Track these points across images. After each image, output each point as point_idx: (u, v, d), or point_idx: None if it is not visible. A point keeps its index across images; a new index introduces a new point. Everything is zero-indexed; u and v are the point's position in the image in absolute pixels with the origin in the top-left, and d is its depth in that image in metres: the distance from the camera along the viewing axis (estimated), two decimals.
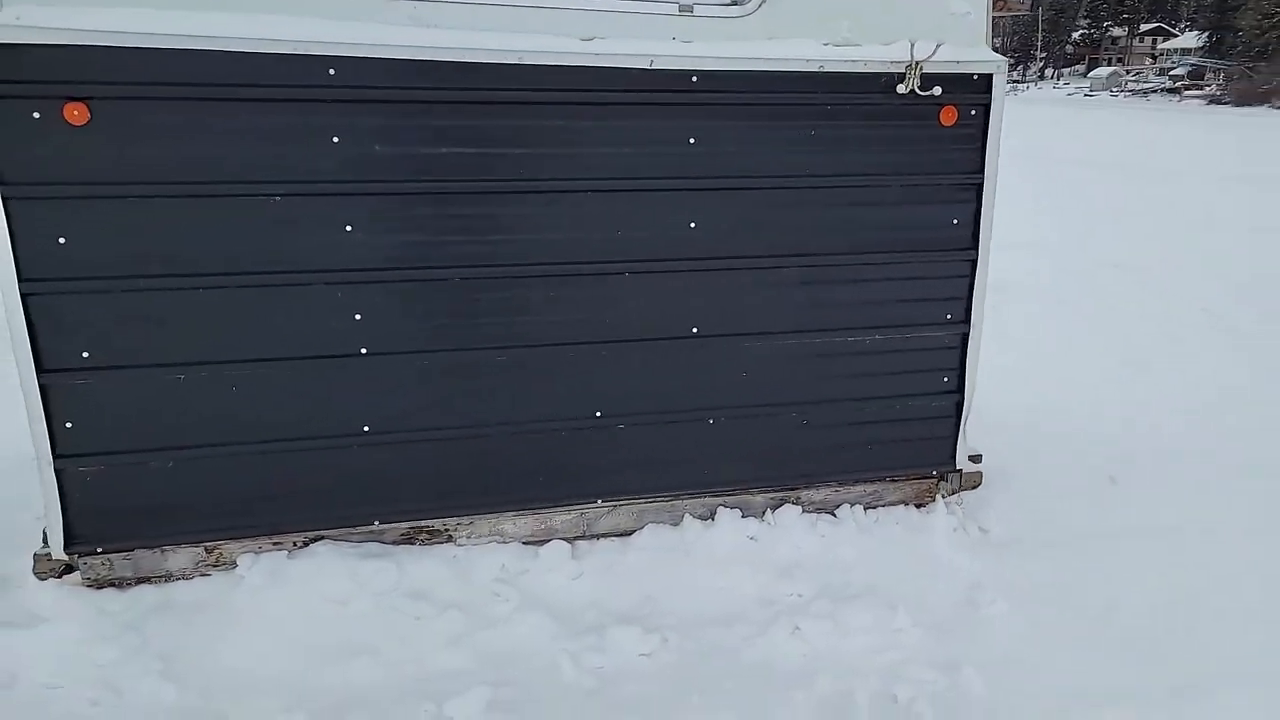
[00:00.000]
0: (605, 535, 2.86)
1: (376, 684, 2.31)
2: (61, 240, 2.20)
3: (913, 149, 2.74)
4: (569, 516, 2.80)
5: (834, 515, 3.03)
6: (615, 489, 2.80)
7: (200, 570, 2.55)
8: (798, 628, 2.55)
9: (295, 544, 2.59)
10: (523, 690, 2.30)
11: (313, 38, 2.22)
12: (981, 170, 2.81)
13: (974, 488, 3.26)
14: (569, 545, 2.78)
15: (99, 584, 2.49)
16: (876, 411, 2.95)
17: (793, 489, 2.98)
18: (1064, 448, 3.76)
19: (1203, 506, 3.31)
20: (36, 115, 2.11)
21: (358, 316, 2.44)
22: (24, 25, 2.05)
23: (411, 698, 2.26)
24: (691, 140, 2.55)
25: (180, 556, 2.52)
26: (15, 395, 4.32)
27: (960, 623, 2.66)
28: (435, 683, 2.31)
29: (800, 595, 2.72)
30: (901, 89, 2.63)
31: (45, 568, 2.64)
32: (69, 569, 2.55)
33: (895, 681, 2.37)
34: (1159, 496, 3.40)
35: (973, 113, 2.76)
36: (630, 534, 2.87)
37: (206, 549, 2.53)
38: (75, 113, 2.12)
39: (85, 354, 2.27)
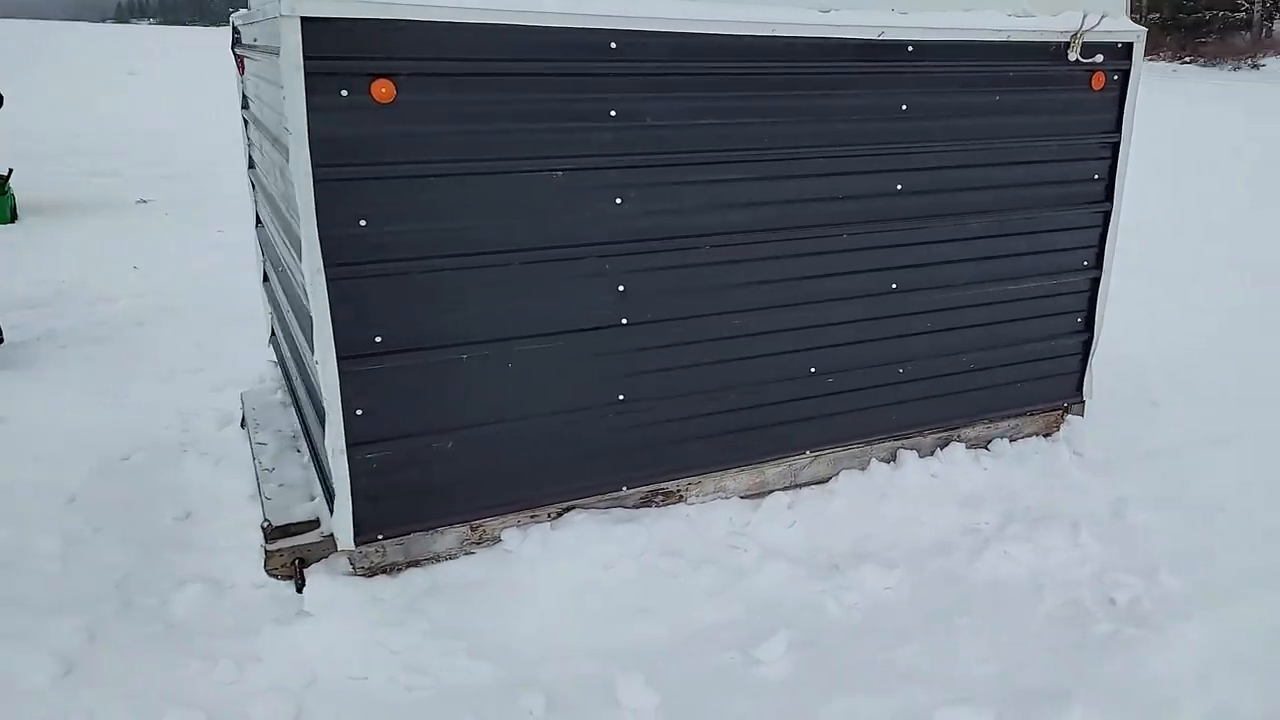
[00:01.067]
0: (806, 484, 3.22)
1: (668, 639, 2.58)
2: (363, 223, 2.28)
3: (1070, 111, 3.22)
4: (779, 469, 3.15)
5: (987, 449, 3.54)
6: (819, 440, 3.16)
7: (465, 549, 2.71)
8: (1006, 551, 3.03)
9: (550, 515, 2.80)
10: (804, 631, 2.65)
11: (600, 11, 2.39)
12: (1119, 129, 3.34)
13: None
14: (782, 495, 3.14)
15: (371, 571, 2.60)
16: (1025, 352, 3.46)
17: (954, 428, 3.45)
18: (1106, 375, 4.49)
19: (1247, 418, 4.09)
20: (344, 93, 2.18)
21: (620, 288, 2.65)
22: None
23: (711, 647, 2.57)
24: (904, 108, 2.91)
25: (448, 537, 2.67)
26: (120, 390, 4.21)
27: (1122, 533, 3.24)
28: (723, 631, 2.63)
29: (988, 523, 3.21)
30: (1071, 56, 3.09)
31: (277, 563, 2.74)
32: (301, 562, 2.68)
33: (1107, 588, 2.91)
34: (1203, 414, 4.15)
35: (1115, 77, 3.27)
36: (826, 481, 3.25)
37: (472, 527, 2.69)
38: (383, 90, 2.20)
39: (378, 339, 2.37)
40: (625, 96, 2.50)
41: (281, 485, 2.99)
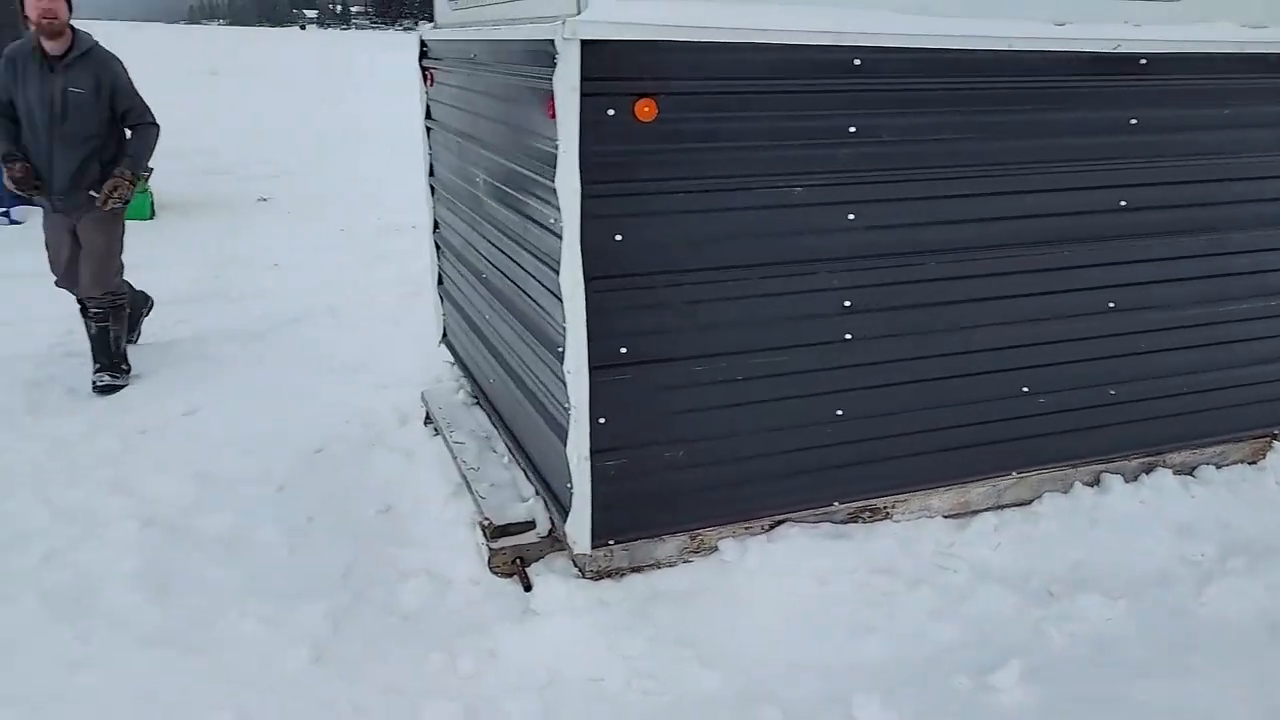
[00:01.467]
0: (1009, 505, 3.24)
1: (896, 659, 2.64)
2: (618, 237, 2.41)
3: None
4: (983, 489, 3.18)
5: (1193, 476, 3.50)
6: (1025, 461, 3.18)
7: (683, 557, 2.82)
8: (1228, 584, 3.00)
9: (763, 527, 2.89)
10: (1033, 660, 2.66)
11: (847, 28, 2.47)
12: None
13: None
14: (988, 516, 3.17)
15: (598, 575, 2.73)
16: (1237, 375, 3.41)
17: (1160, 453, 3.42)
18: None
19: None
20: (611, 112, 2.30)
21: (847, 303, 2.72)
22: (612, 21, 2.23)
23: (942, 670, 2.60)
24: (1133, 122, 2.91)
25: (669, 545, 2.78)
26: (296, 385, 4.42)
27: None
28: (952, 654, 2.67)
29: (1205, 554, 3.17)
30: None
31: (499, 561, 2.89)
32: (521, 561, 2.82)
33: None
34: None
35: None
36: (1029, 503, 3.26)
37: (691, 536, 2.80)
38: (646, 109, 2.32)
39: (623, 349, 2.49)
40: (865, 113, 2.57)
41: (492, 485, 3.15)
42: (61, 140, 4.16)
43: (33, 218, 7.78)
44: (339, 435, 4.02)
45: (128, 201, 4.33)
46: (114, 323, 4.48)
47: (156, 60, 31.05)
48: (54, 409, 4.23)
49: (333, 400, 4.37)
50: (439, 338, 4.32)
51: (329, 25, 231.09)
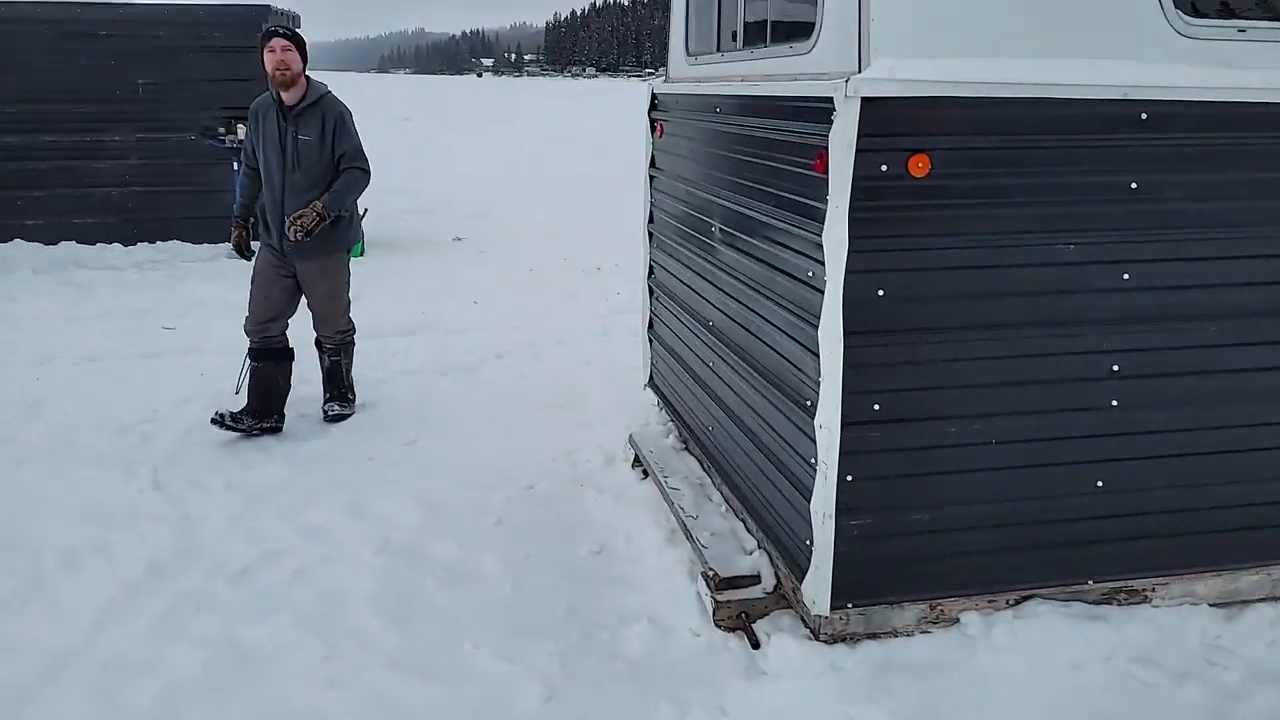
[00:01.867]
0: None
1: None
2: (880, 292, 2.38)
3: None
4: (1256, 578, 2.88)
5: None
6: None
7: (921, 627, 2.71)
8: None
9: (1008, 601, 2.74)
10: None
11: (1135, 82, 2.35)
12: None
13: None
14: (1263, 608, 2.87)
15: (832, 639, 2.67)
16: None
17: None
18: None
19: None
20: (884, 168, 2.29)
21: (1115, 367, 2.56)
22: (895, 79, 2.22)
23: None
24: None
25: (908, 613, 2.68)
26: (506, 420, 4.55)
27: None
28: None
29: None
30: None
31: (724, 614, 2.86)
32: (746, 616, 2.78)
33: None
34: None
35: None
36: None
37: (931, 606, 2.69)
38: (920, 165, 2.29)
39: (876, 406, 2.44)
40: (1148, 169, 2.43)
41: (713, 534, 3.15)
42: (292, 188, 4.32)
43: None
44: (548, 472, 4.15)
45: (309, 232, 4.21)
46: (344, 357, 4.79)
47: (355, 107, 33.94)
48: (289, 433, 4.58)
49: (538, 436, 4.53)
50: (645, 380, 4.40)
51: (503, 73, 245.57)
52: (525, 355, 5.89)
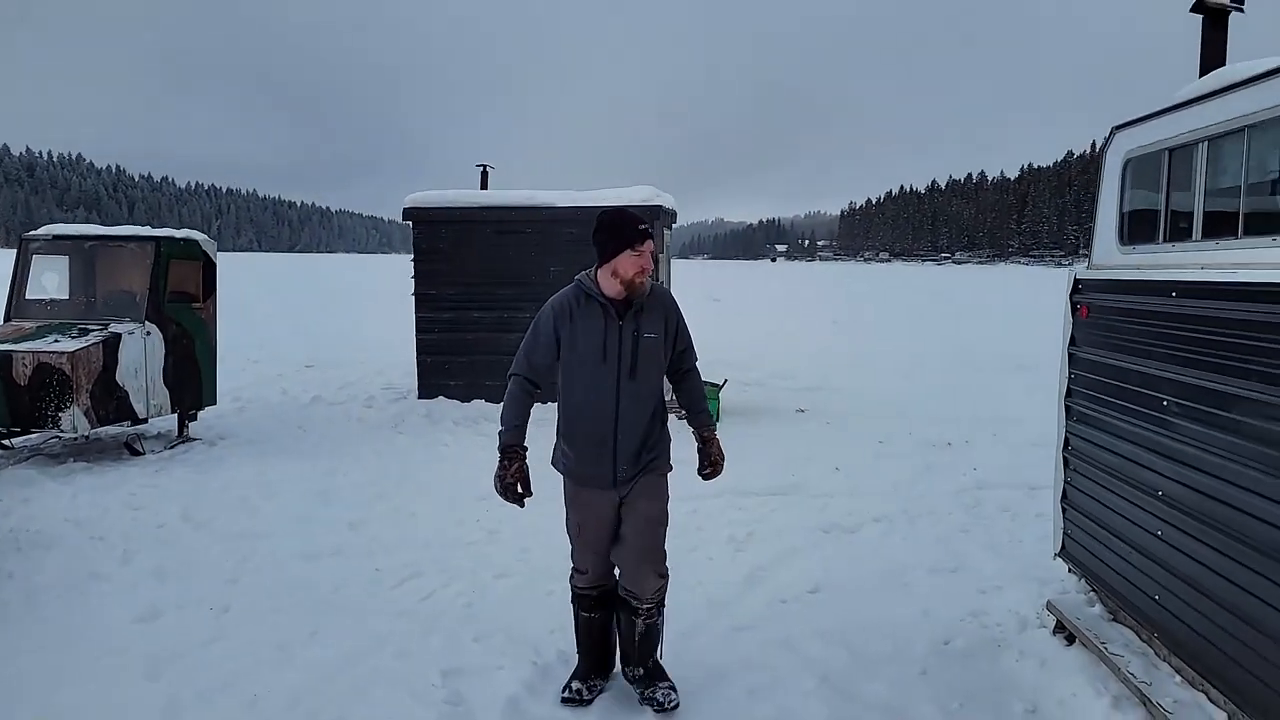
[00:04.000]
0: None
1: None
2: None
3: None
4: None
5: None
6: None
7: None
8: None
9: None
10: None
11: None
12: None
13: None
14: None
15: None
16: None
17: None
18: None
19: None
20: None
21: None
22: None
23: None
24: None
25: None
26: (908, 576, 4.77)
27: None
28: None
29: None
30: None
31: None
32: None
33: None
34: None
35: None
36: None
37: None
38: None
39: None
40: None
41: (1176, 701, 3.17)
42: (631, 398, 3.49)
43: None
44: (959, 631, 4.34)
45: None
46: (660, 615, 3.69)
47: (674, 291, 37.27)
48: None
49: (938, 596, 4.75)
50: (1056, 548, 4.50)
51: (795, 257, 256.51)
52: (901, 520, 6.18)
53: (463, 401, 10.20)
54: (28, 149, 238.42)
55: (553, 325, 3.52)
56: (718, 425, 9.69)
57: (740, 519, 6.20)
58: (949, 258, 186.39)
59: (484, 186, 11.56)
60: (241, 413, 10.18)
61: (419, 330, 10.49)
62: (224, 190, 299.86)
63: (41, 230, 8.95)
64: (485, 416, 9.80)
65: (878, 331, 21.66)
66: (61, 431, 7.65)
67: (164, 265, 8.44)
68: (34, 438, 8.28)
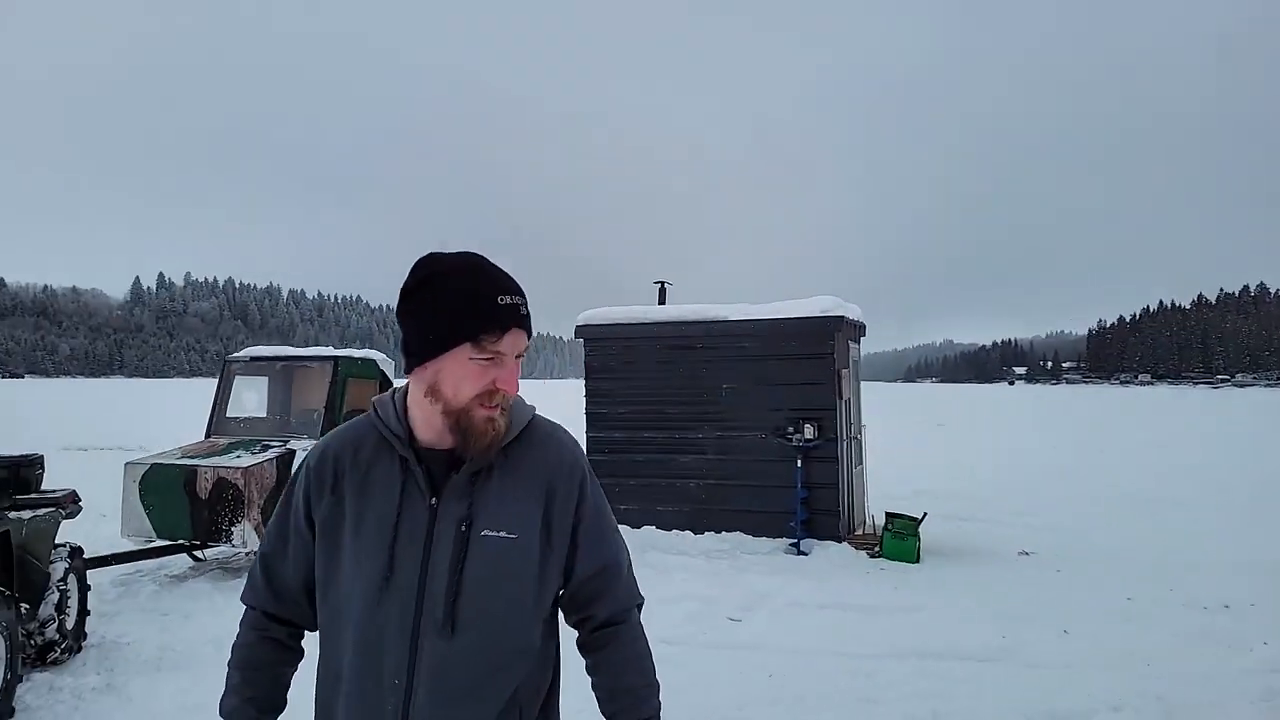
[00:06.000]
0: None
1: None
2: None
3: None
4: None
5: None
6: None
7: None
8: None
9: None
10: None
11: None
12: None
13: None
14: None
15: None
16: None
17: None
18: None
19: None
20: None
21: None
22: None
23: None
24: None
25: None
26: None
27: None
28: None
29: None
30: None
31: None
32: None
33: None
34: None
35: None
36: None
37: None
38: None
39: None
40: None
41: None
42: (440, 676, 1.53)
43: (818, 550, 8.63)
44: None
45: None
46: None
47: (890, 414, 35.24)
48: None
49: None
50: None
51: (1037, 380, 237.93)
52: (1154, 712, 4.59)
53: (633, 528, 9.47)
54: (319, 292, 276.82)
55: (303, 502, 1.64)
56: (914, 567, 8.44)
57: (926, 690, 4.89)
58: (1227, 379, 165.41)
59: (662, 302, 11.15)
60: None
61: (589, 450, 10.01)
62: None
63: (242, 353, 9.49)
64: (655, 545, 9.00)
65: (1133, 462, 18.70)
66: (233, 545, 7.72)
67: (341, 384, 8.58)
68: (225, 549, 8.49)
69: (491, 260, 1.56)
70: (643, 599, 1.76)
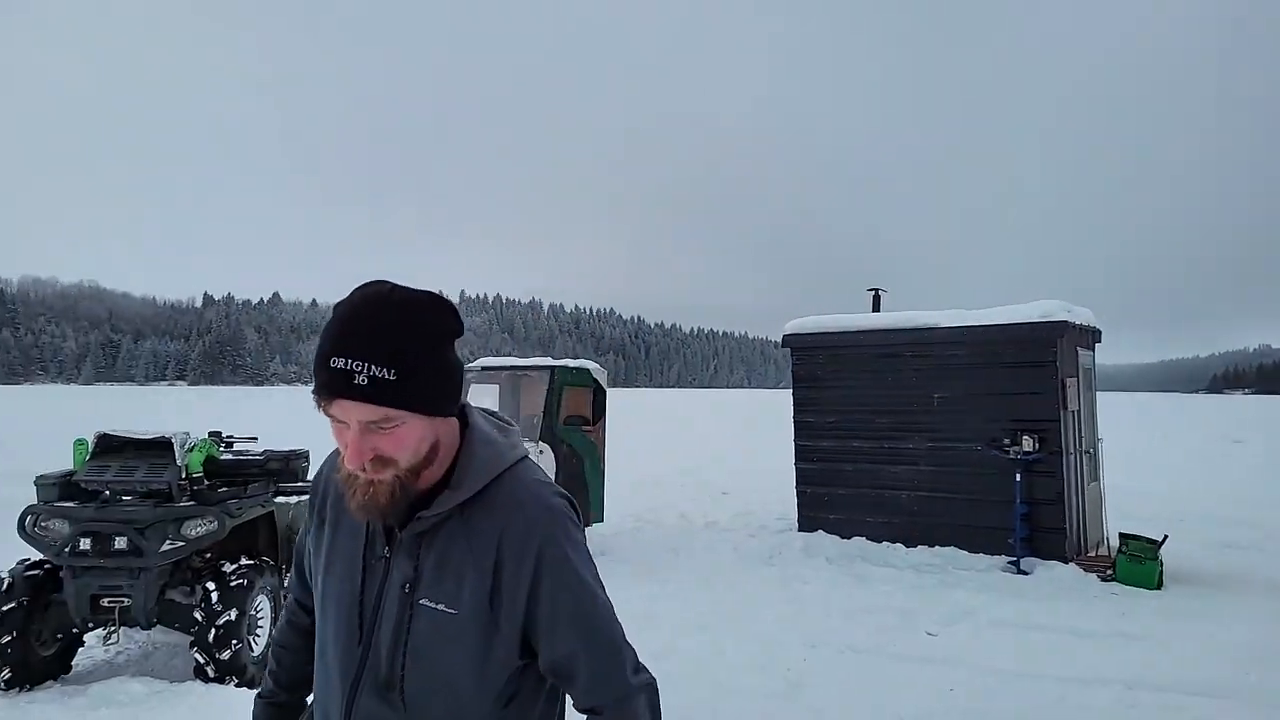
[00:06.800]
0: None
1: None
2: None
3: None
4: None
5: None
6: None
7: None
8: None
9: None
10: None
11: None
12: None
13: None
14: None
15: None
16: None
17: None
18: None
19: None
20: None
21: None
22: None
23: None
24: None
25: None
26: None
27: None
28: None
29: None
30: None
31: None
32: None
33: None
34: None
35: None
36: None
37: None
38: None
39: None
40: None
41: None
42: None
43: (1040, 569, 8.05)
44: None
45: None
46: None
47: (1179, 429, 31.35)
48: None
49: None
50: None
51: None
52: None
53: (842, 538, 9.36)
54: (576, 305, 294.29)
55: (312, 514, 1.60)
56: (1152, 593, 7.57)
57: None
58: None
59: (876, 310, 10.89)
60: (635, 532, 10.52)
61: (798, 459, 10.00)
62: (719, 334, 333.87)
63: (476, 362, 10.49)
64: (863, 556, 8.85)
65: None
66: None
67: (559, 391, 9.24)
68: None
69: (389, 301, 1.28)
70: (646, 683, 1.45)
